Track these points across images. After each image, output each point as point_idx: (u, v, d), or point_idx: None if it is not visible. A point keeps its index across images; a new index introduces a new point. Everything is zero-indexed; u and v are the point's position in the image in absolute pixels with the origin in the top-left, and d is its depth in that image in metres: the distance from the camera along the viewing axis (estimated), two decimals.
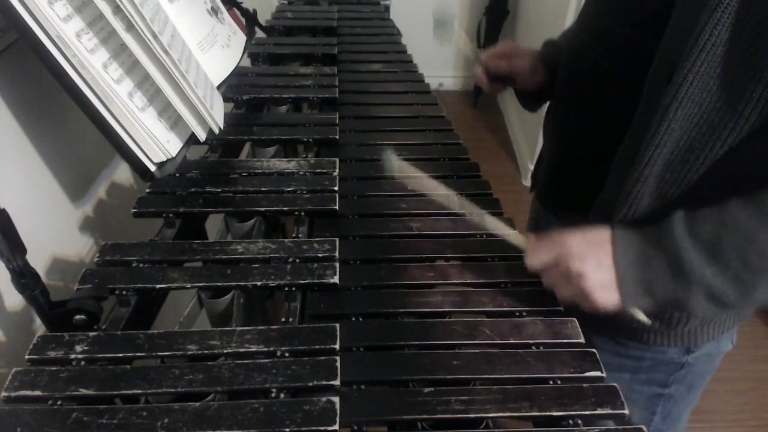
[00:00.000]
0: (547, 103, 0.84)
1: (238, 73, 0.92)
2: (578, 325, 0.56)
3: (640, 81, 0.56)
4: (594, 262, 0.52)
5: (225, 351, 0.50)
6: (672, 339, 0.67)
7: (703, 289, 0.49)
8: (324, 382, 0.48)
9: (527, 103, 0.88)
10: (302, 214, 0.68)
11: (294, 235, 0.67)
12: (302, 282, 0.58)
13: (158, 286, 0.57)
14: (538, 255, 0.56)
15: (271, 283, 0.58)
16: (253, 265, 0.59)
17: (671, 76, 0.51)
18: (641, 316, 0.56)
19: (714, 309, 0.51)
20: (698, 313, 0.52)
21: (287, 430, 0.44)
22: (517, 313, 0.58)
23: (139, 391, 0.47)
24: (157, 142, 0.66)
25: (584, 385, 0.50)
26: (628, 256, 0.51)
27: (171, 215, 0.67)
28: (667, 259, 0.50)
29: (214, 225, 0.78)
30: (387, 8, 1.46)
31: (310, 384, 0.48)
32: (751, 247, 0.47)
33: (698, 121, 0.50)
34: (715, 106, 0.49)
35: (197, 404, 0.46)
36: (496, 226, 0.61)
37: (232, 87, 0.92)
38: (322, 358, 0.50)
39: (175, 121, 0.70)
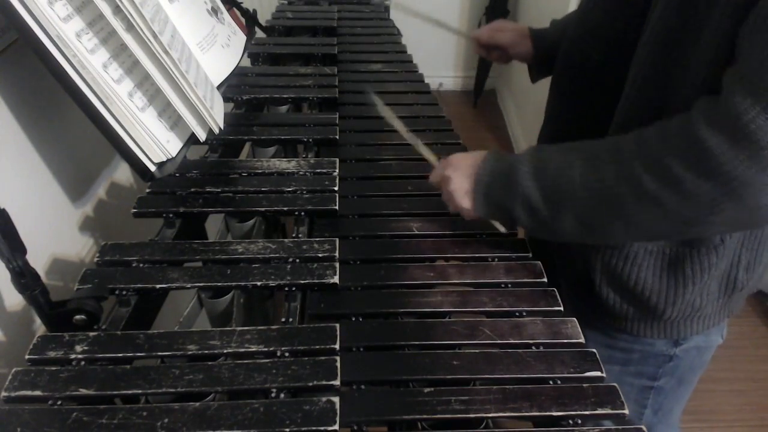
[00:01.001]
0: (538, 111, 0.87)
1: (238, 73, 0.92)
2: (578, 324, 0.56)
3: (627, 72, 0.59)
4: (461, 172, 0.60)
5: (225, 351, 0.50)
6: (659, 331, 0.68)
7: (523, 199, 0.55)
8: (324, 382, 0.48)
9: (530, 73, 0.95)
10: (302, 214, 0.68)
11: (294, 235, 0.67)
12: (302, 282, 0.58)
13: (158, 286, 0.57)
14: (435, 170, 0.65)
15: (271, 283, 0.58)
16: (253, 265, 0.59)
17: None
18: (498, 226, 0.65)
19: (533, 224, 0.57)
20: (524, 226, 0.59)
21: (287, 430, 0.44)
22: (517, 313, 0.58)
23: (139, 391, 0.47)
24: (157, 142, 0.66)
25: (584, 385, 0.50)
26: (486, 166, 0.59)
27: (171, 215, 0.67)
28: (508, 168, 0.57)
29: (214, 225, 0.78)
30: (387, 8, 1.46)
31: (310, 384, 0.48)
32: (565, 172, 0.53)
33: (652, 84, 0.55)
34: (659, 72, 0.53)
35: (197, 404, 0.46)
36: (424, 150, 0.69)
37: (232, 87, 0.92)
38: (322, 358, 0.50)
39: (175, 121, 0.70)
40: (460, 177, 0.60)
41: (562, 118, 0.76)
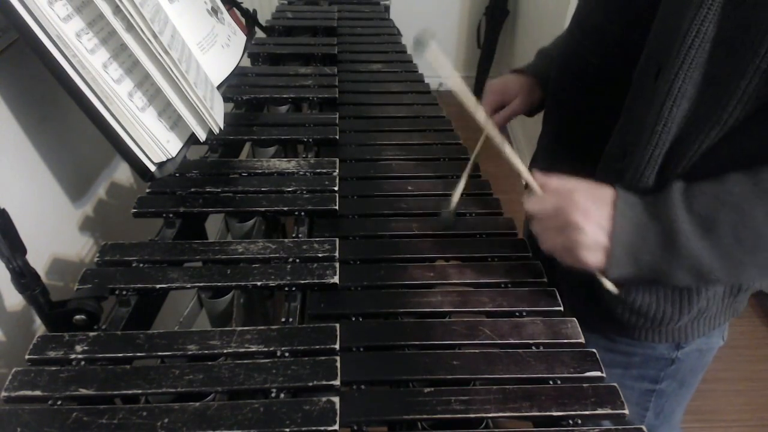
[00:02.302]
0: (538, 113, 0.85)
1: (238, 73, 0.92)
2: (578, 325, 0.56)
3: (628, 77, 0.57)
4: (595, 220, 0.51)
5: (225, 351, 0.50)
6: (662, 335, 0.67)
7: (690, 262, 0.49)
8: (324, 382, 0.48)
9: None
10: (302, 214, 0.68)
11: (294, 235, 0.67)
12: (302, 282, 0.58)
13: (158, 286, 0.57)
14: (540, 200, 0.55)
15: (271, 283, 0.58)
16: (253, 265, 0.59)
17: (658, 72, 0.51)
18: (609, 285, 0.56)
19: (695, 283, 0.51)
20: (676, 285, 0.52)
21: (287, 430, 0.44)
22: (517, 313, 0.58)
23: (139, 391, 0.47)
24: (157, 142, 0.66)
25: (584, 385, 0.50)
26: (624, 219, 0.51)
27: (171, 215, 0.67)
28: (661, 228, 0.49)
29: (214, 225, 0.78)
30: (387, 8, 1.46)
31: (310, 384, 0.48)
32: (746, 224, 0.47)
33: (688, 115, 0.50)
34: (702, 100, 0.49)
35: (197, 404, 0.46)
36: (513, 157, 0.60)
37: (232, 87, 0.92)
38: (322, 358, 0.50)
39: (175, 121, 0.70)
40: (594, 228, 0.51)
41: (561, 128, 0.75)
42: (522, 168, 0.60)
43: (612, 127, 0.60)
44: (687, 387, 0.77)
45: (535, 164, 0.88)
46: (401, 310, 0.57)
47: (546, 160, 0.81)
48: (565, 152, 0.75)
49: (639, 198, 0.52)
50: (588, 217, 0.51)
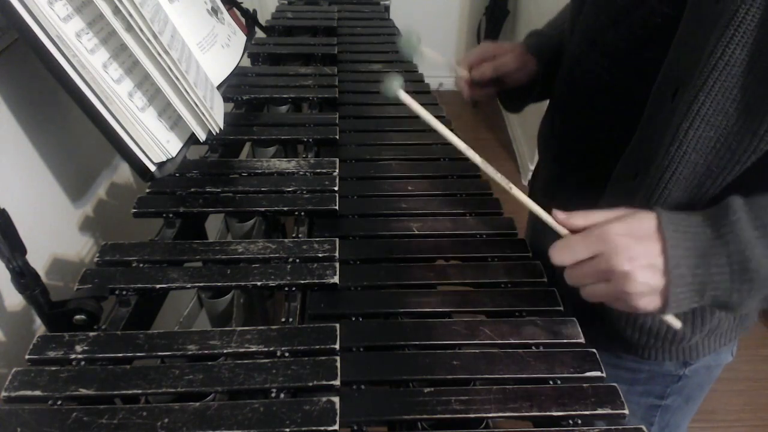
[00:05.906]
0: (538, 112, 0.82)
1: (238, 73, 0.92)
2: (578, 324, 0.56)
3: (641, 94, 0.55)
4: (645, 263, 0.45)
5: (225, 351, 0.50)
6: (671, 354, 0.66)
7: (766, 289, 0.44)
8: (324, 382, 0.48)
9: (509, 104, 0.84)
10: (302, 214, 0.68)
11: (294, 235, 0.67)
12: (302, 282, 0.58)
13: (158, 286, 0.57)
14: (569, 247, 0.48)
15: (271, 283, 0.58)
16: (253, 265, 0.59)
17: (676, 91, 0.49)
18: (673, 321, 0.51)
19: (764, 307, 0.47)
20: (744, 312, 0.47)
21: (287, 430, 0.44)
22: (517, 313, 0.58)
23: (139, 391, 0.47)
24: (157, 142, 0.66)
25: (584, 385, 0.50)
26: (680, 251, 0.44)
27: (171, 215, 0.67)
28: (730, 256, 0.44)
29: (214, 225, 0.78)
30: (387, 8, 1.46)
31: (310, 384, 0.48)
32: None
33: (715, 144, 0.48)
34: (733, 129, 0.46)
35: (197, 404, 0.46)
36: (522, 196, 0.55)
37: (232, 87, 0.92)
38: (322, 358, 0.50)
39: (175, 121, 0.70)
40: (645, 273, 0.45)
41: (568, 144, 0.71)
42: (536, 208, 0.53)
43: (622, 144, 0.57)
44: (693, 402, 0.75)
45: (535, 183, 0.85)
46: (401, 310, 0.57)
47: (548, 177, 0.79)
48: (569, 170, 0.73)
49: (690, 222, 0.46)
50: (635, 261, 0.45)
